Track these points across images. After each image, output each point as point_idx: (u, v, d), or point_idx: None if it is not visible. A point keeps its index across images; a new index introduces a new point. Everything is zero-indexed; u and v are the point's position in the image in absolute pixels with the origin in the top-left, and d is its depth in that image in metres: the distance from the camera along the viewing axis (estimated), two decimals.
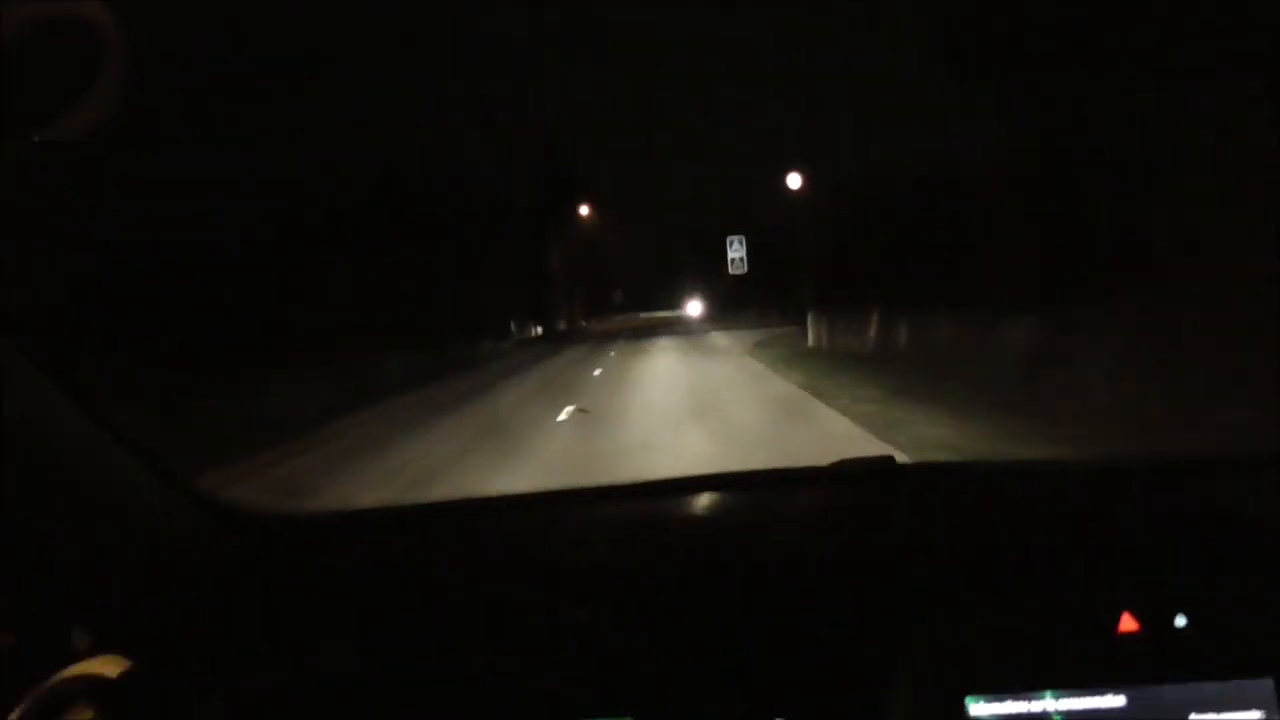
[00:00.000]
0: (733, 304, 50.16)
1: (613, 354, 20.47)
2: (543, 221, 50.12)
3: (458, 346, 25.29)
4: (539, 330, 41.70)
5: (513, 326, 36.46)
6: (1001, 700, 0.84)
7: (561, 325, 50.34)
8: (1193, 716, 0.83)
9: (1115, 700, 0.84)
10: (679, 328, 37.31)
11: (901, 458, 1.45)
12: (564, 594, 0.97)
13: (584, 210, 65.20)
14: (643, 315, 77.17)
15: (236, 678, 0.89)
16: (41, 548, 0.83)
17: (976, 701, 0.84)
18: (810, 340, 18.05)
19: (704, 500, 1.30)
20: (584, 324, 62.84)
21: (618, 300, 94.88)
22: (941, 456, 5.65)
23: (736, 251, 32.98)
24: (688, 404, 9.60)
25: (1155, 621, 0.85)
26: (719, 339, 24.40)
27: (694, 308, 71.28)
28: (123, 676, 0.86)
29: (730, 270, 32.61)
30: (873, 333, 16.03)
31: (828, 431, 7.07)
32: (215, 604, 0.99)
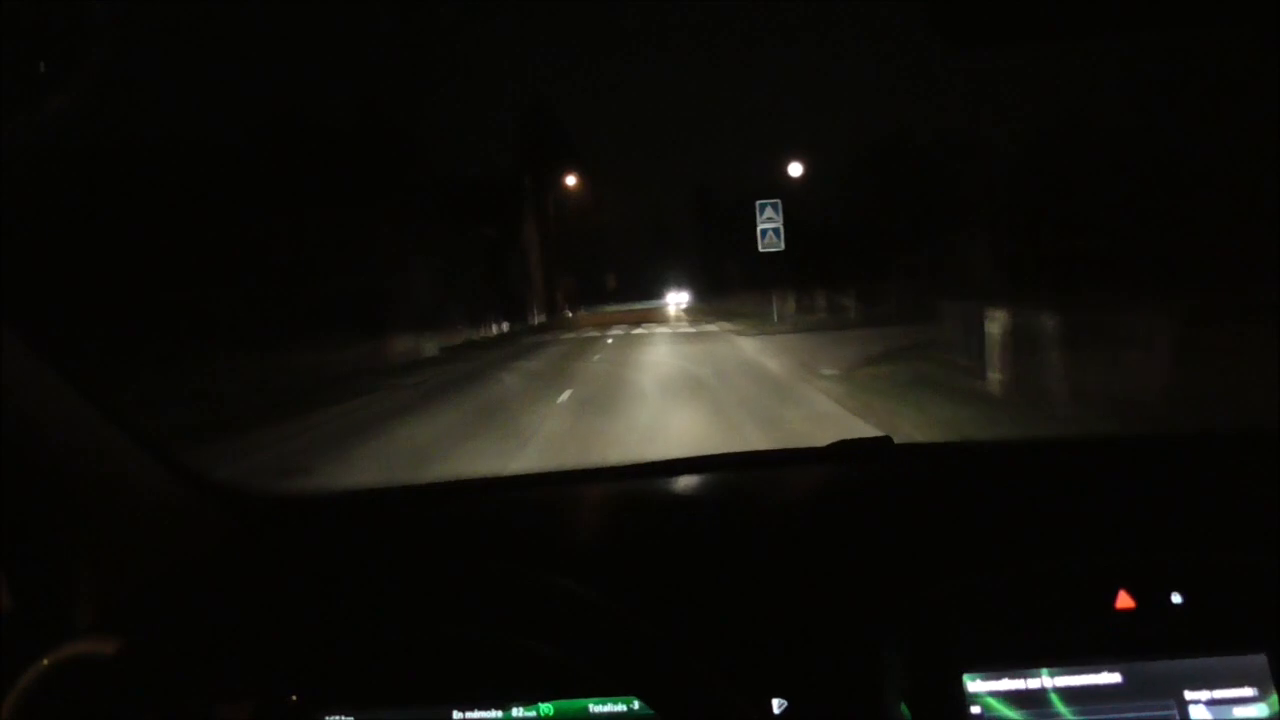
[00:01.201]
0: (746, 289, 41.00)
1: (565, 397, 9.87)
2: (515, 192, 40.69)
3: (345, 357, 16.01)
4: (503, 327, 32.27)
5: (452, 324, 26.69)
6: (998, 677, 0.84)
7: (537, 319, 40.82)
8: (1188, 693, 0.83)
9: (1111, 677, 0.84)
10: (685, 324, 27.78)
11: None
12: (562, 571, 0.90)
13: (571, 180, 55.57)
14: (639, 306, 68.60)
15: (232, 656, 0.87)
16: (39, 527, 0.84)
17: (973, 679, 0.84)
18: (995, 375, 7.88)
19: (702, 480, 1.30)
20: (569, 314, 53.43)
21: (612, 286, 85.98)
22: None
23: (769, 221, 23.65)
24: None
25: (1151, 598, 0.86)
26: (755, 351, 14.94)
27: (678, 298, 62.65)
28: (119, 655, 0.84)
29: (761, 246, 23.36)
30: (1160, 363, 6.71)
31: None
32: (210, 582, 0.98)
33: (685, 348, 16.76)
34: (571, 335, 24.97)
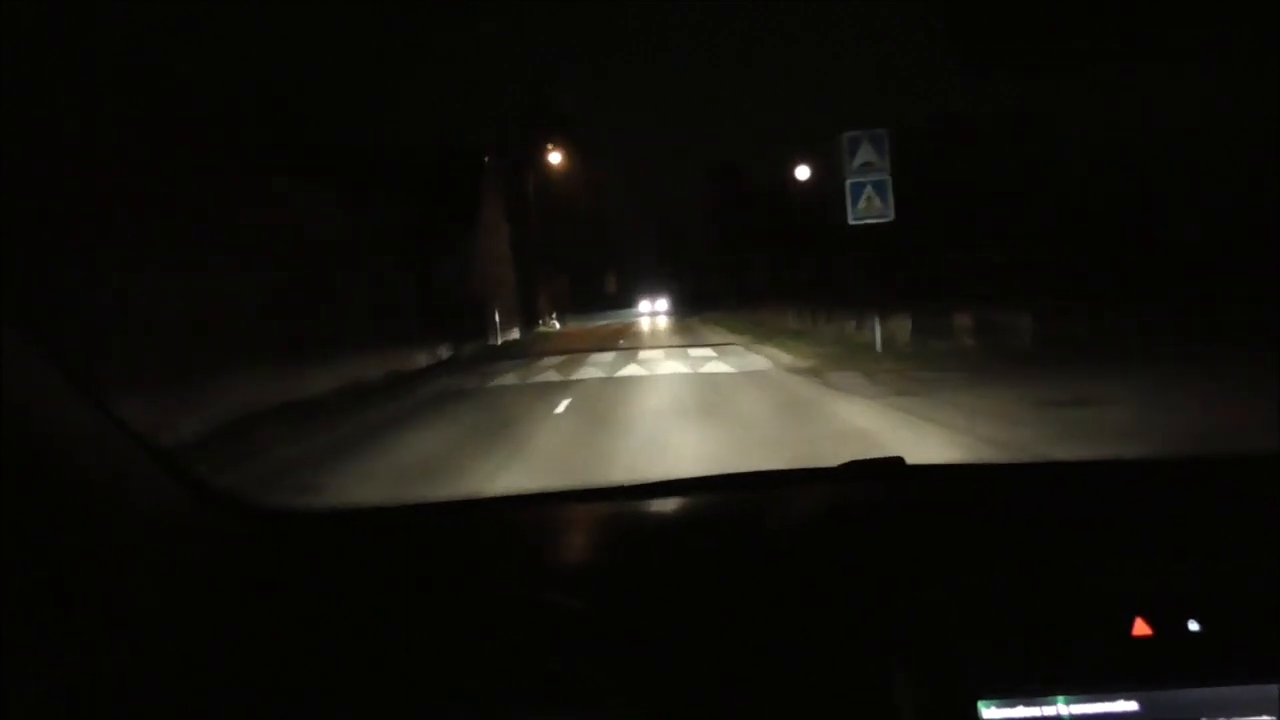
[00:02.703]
0: (777, 295, 30.52)
1: None
2: (470, 166, 30.16)
3: None
4: (440, 354, 21.78)
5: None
6: (1013, 705, 0.83)
7: (501, 338, 30.28)
8: None
9: (1127, 705, 0.83)
10: (710, 354, 17.26)
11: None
12: (574, 591, 0.93)
13: (555, 158, 44.85)
14: (634, 314, 58.22)
15: (239, 669, 0.86)
16: (45, 537, 0.82)
17: (988, 706, 0.83)
18: None
19: (715, 500, 1.29)
20: (556, 326, 42.90)
21: (611, 290, 75.47)
22: None
23: (867, 171, 12.47)
24: None
25: (1168, 626, 0.85)
26: None
27: (653, 305, 55.40)
28: (124, 661, 0.83)
29: (852, 217, 12.34)
30: None
31: None
32: (212, 590, 0.97)
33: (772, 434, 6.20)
34: (513, 380, 14.41)
